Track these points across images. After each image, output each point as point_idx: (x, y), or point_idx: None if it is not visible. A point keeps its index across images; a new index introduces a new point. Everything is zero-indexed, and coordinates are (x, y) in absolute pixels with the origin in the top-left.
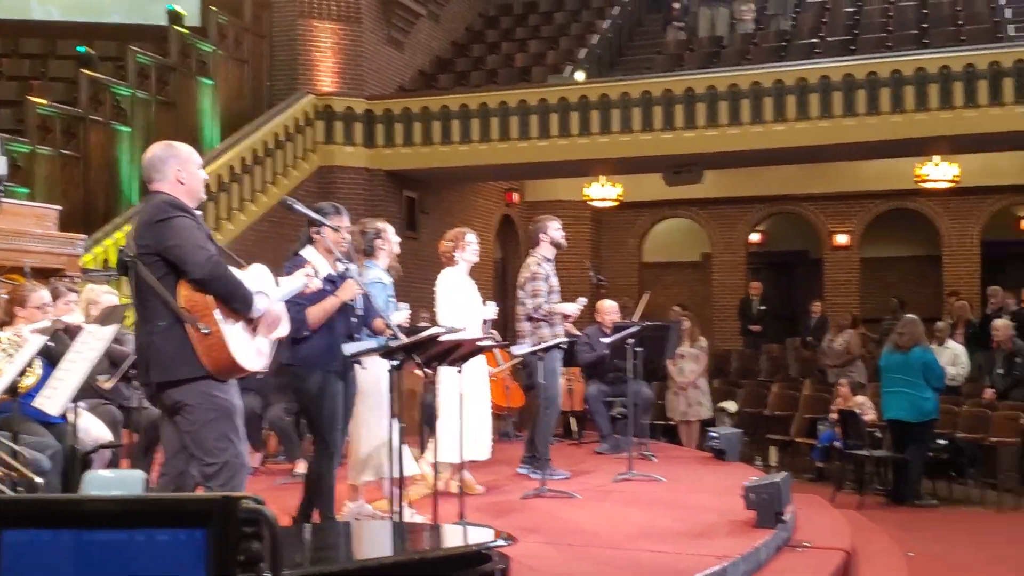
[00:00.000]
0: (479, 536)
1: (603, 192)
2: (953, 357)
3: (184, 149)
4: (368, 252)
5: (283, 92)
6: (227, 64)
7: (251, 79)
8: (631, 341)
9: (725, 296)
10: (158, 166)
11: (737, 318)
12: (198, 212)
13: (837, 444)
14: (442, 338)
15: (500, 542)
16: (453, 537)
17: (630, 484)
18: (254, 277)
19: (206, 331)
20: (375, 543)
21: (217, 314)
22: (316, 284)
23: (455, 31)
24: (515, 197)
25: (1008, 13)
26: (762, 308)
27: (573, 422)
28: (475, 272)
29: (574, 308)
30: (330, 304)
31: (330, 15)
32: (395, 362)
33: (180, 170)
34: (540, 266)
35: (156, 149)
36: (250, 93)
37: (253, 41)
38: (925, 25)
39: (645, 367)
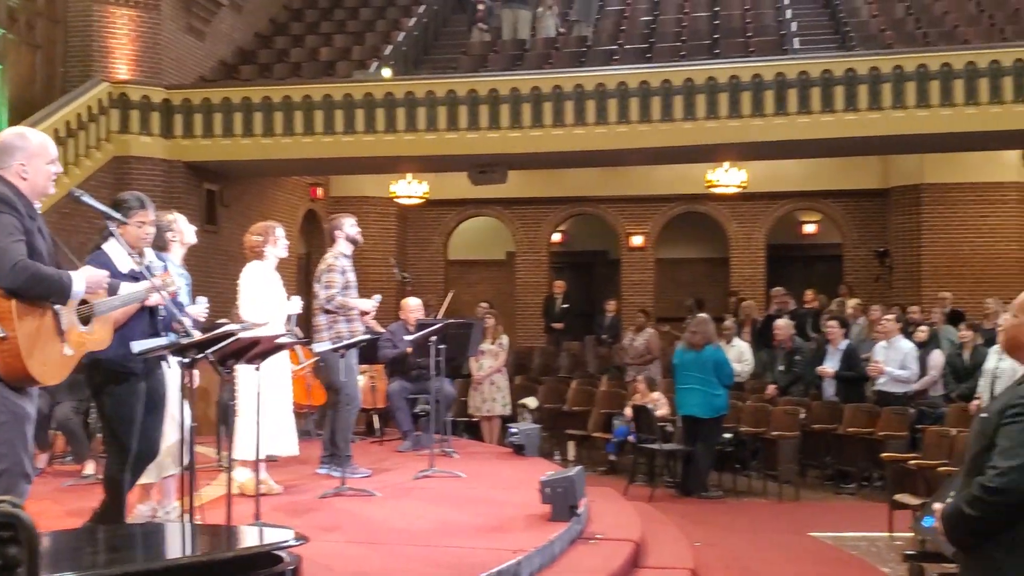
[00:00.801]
0: (270, 536)
1: (409, 189)
2: (739, 354)
3: (35, 142)
4: (160, 246)
5: (77, 79)
6: (18, 49)
7: (44, 65)
8: (434, 338)
9: (529, 294)
10: (2, 154)
11: (541, 316)
12: (37, 204)
13: (631, 438)
14: (240, 335)
15: (292, 542)
16: (244, 538)
17: (431, 481)
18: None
19: (2, 335)
20: (163, 545)
21: (20, 318)
22: (157, 300)
23: (258, 22)
24: (320, 192)
25: (794, 27)
26: (564, 306)
27: (375, 420)
28: (279, 267)
29: (369, 304)
30: (133, 303)
31: (127, 1)
32: (186, 360)
33: (24, 164)
34: (337, 259)
35: (6, 135)
36: (42, 79)
37: (46, 26)
38: (717, 36)
39: (449, 364)
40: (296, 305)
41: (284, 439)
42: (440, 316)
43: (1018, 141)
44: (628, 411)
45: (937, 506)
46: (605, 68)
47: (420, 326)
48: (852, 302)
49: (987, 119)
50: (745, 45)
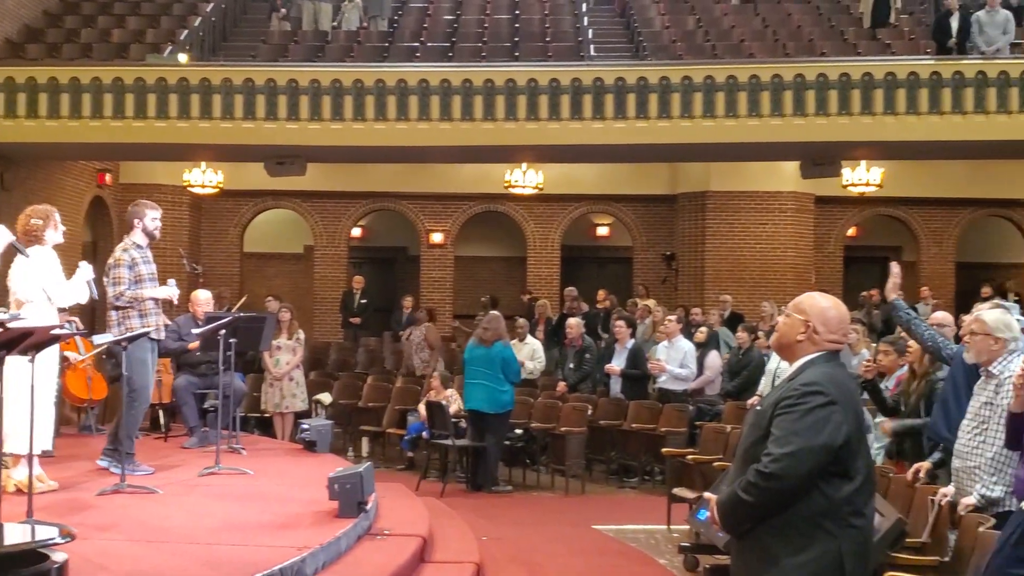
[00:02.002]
0: (36, 534)
1: (204, 178)
2: (531, 352)
3: None
4: None
5: None
6: None
7: None
8: (223, 332)
9: (327, 289)
10: None
11: (339, 311)
12: None
13: (424, 435)
14: (11, 325)
15: (58, 540)
16: (7, 536)
17: (216, 478)
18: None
19: None
20: None
21: None
22: None
23: (48, 0)
24: (108, 179)
25: (591, 34)
26: (363, 302)
27: (161, 415)
28: (64, 255)
29: (165, 292)
30: None
31: None
32: None
33: None
34: (127, 252)
35: None
36: None
37: None
38: (517, 39)
39: (240, 359)
40: (87, 271)
41: (44, 434)
42: (234, 310)
43: (796, 152)
44: (422, 408)
45: (708, 496)
46: (407, 64)
47: (209, 319)
48: (648, 303)
49: (768, 131)
50: (544, 49)
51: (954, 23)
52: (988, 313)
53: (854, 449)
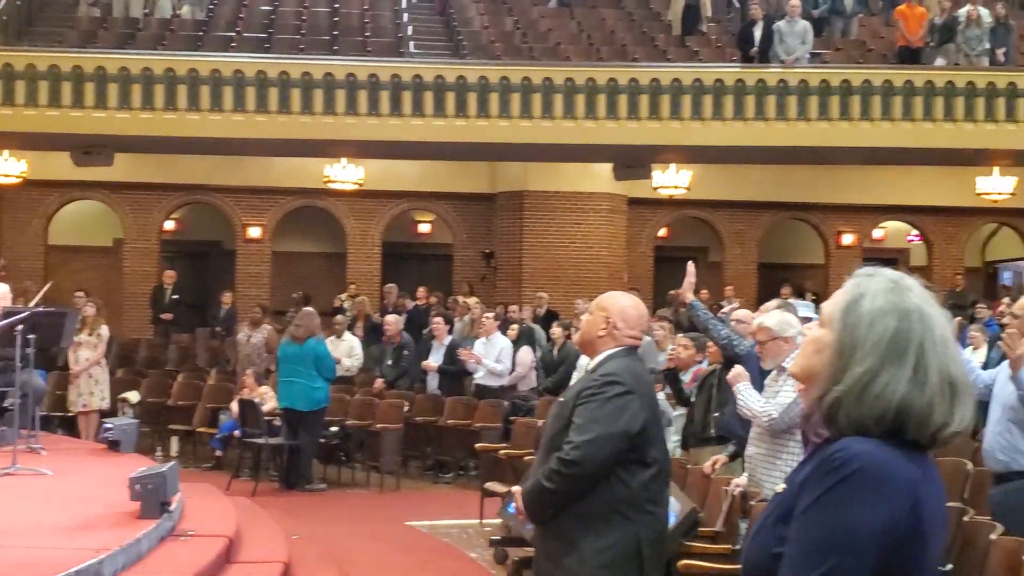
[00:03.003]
0: None
1: (5, 167)
2: (349, 349)
3: None
4: None
5: None
6: None
7: None
8: (21, 327)
9: (137, 284)
10: None
11: (149, 306)
12: None
13: (237, 433)
14: None
15: None
16: None
17: (12, 479)
18: None
19: None
20: None
21: None
22: None
23: None
24: None
25: (410, 31)
26: (175, 297)
27: None
28: None
29: None
30: None
31: None
32: None
33: None
34: None
35: None
36: None
37: None
38: (336, 33)
39: (40, 355)
40: None
41: None
42: (34, 305)
43: (609, 155)
44: (234, 406)
45: (515, 489)
46: (221, 54)
47: (6, 314)
48: (470, 300)
49: (583, 133)
50: (363, 44)
51: (757, 32)
52: (767, 318)
53: (651, 438)
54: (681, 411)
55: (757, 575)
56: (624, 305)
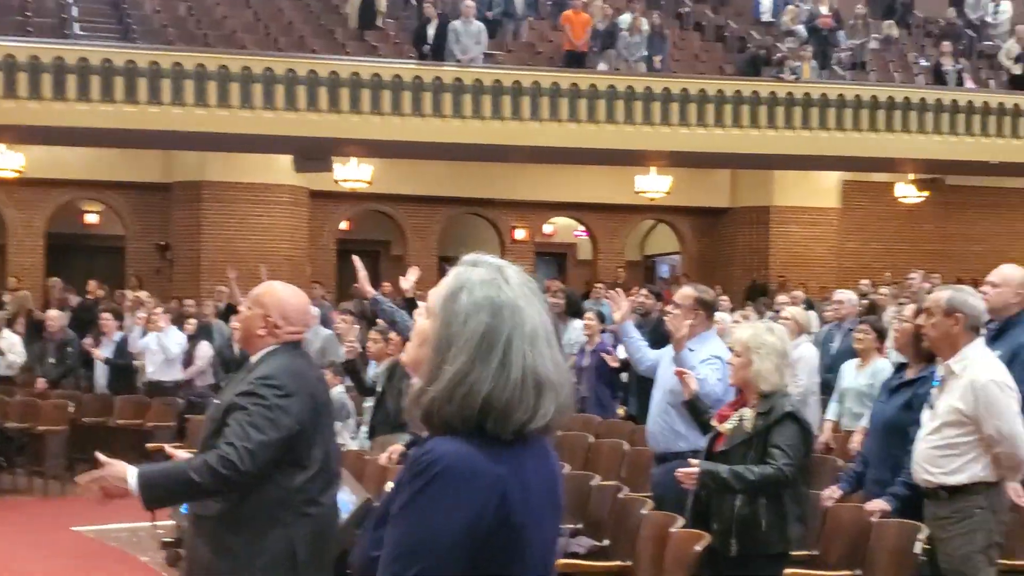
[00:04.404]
0: None
1: None
2: (9, 347)
3: None
4: None
5: None
6: None
7: None
8: None
9: None
10: None
11: None
12: None
13: None
14: None
15: None
16: None
17: None
18: None
19: None
20: None
21: None
22: None
23: None
24: None
25: (75, 12)
26: None
27: None
28: None
29: None
30: None
31: None
32: None
33: None
34: None
35: None
36: None
37: None
38: None
39: None
40: None
41: None
42: None
43: (288, 146)
44: None
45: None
46: None
47: None
48: (140, 294)
49: (261, 123)
50: (23, 24)
51: (431, 31)
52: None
53: (309, 439)
54: (371, 401)
55: None
56: (283, 298)
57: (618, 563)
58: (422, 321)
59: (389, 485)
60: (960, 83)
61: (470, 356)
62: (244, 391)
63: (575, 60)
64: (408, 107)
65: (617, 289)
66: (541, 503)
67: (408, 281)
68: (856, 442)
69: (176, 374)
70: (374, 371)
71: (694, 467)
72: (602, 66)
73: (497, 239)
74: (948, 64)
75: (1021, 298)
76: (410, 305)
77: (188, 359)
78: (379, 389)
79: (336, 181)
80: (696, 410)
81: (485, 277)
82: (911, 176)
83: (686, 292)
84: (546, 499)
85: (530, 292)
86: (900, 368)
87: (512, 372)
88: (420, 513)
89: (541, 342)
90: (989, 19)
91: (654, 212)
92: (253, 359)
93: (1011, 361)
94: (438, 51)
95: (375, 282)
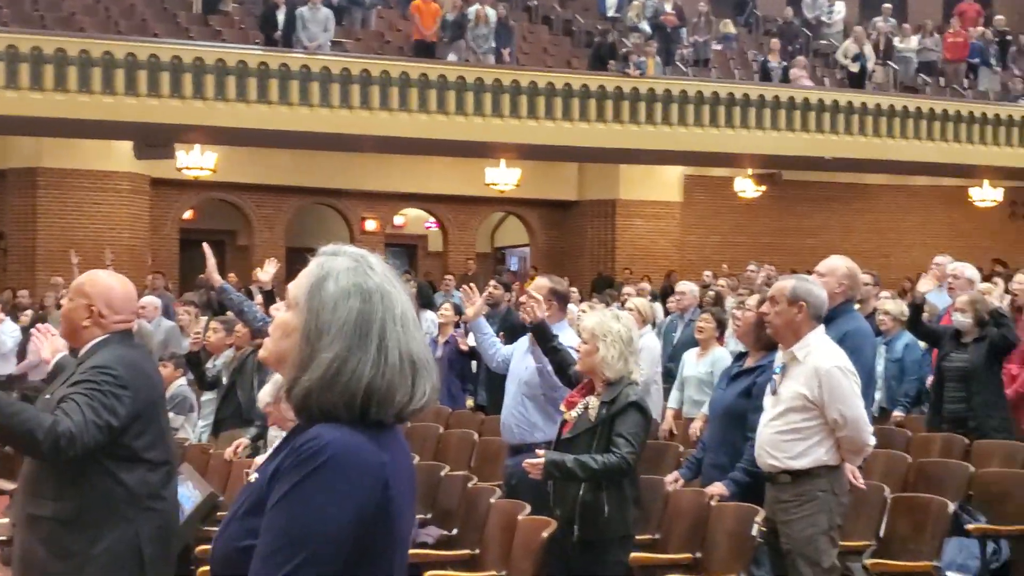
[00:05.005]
0: None
1: None
2: None
3: None
4: None
5: None
6: None
7: None
8: None
9: None
10: None
11: None
12: None
13: None
14: None
15: None
16: None
17: None
18: None
19: None
20: None
21: None
22: None
23: None
24: None
25: None
26: None
27: None
28: None
29: None
30: None
31: None
32: None
33: None
34: None
35: None
36: None
37: None
38: None
39: None
40: None
41: None
42: None
43: (129, 132)
44: None
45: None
46: None
47: None
48: None
49: (100, 108)
50: None
51: (281, 16)
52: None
53: (148, 431)
54: (211, 395)
55: (225, 571)
56: (107, 287)
57: (467, 552)
58: (282, 314)
59: (253, 476)
60: (786, 80)
61: (346, 343)
62: (77, 380)
63: (425, 50)
64: (254, 94)
65: (471, 284)
66: (409, 491)
67: (267, 273)
68: (697, 428)
69: (9, 368)
70: (212, 363)
71: (540, 458)
72: (452, 57)
73: (347, 230)
74: (774, 61)
75: (844, 288)
76: (267, 298)
77: (22, 352)
78: (225, 382)
79: (179, 169)
80: (544, 337)
81: (349, 264)
82: (749, 171)
83: (540, 283)
84: (409, 487)
85: (394, 277)
86: (739, 357)
87: (390, 356)
88: (306, 501)
89: (411, 324)
90: (824, 19)
91: (504, 204)
92: (82, 351)
93: None
94: (288, 38)
95: (221, 273)
